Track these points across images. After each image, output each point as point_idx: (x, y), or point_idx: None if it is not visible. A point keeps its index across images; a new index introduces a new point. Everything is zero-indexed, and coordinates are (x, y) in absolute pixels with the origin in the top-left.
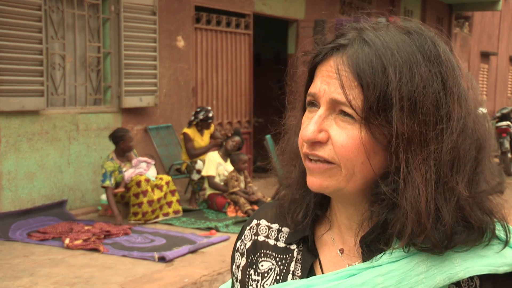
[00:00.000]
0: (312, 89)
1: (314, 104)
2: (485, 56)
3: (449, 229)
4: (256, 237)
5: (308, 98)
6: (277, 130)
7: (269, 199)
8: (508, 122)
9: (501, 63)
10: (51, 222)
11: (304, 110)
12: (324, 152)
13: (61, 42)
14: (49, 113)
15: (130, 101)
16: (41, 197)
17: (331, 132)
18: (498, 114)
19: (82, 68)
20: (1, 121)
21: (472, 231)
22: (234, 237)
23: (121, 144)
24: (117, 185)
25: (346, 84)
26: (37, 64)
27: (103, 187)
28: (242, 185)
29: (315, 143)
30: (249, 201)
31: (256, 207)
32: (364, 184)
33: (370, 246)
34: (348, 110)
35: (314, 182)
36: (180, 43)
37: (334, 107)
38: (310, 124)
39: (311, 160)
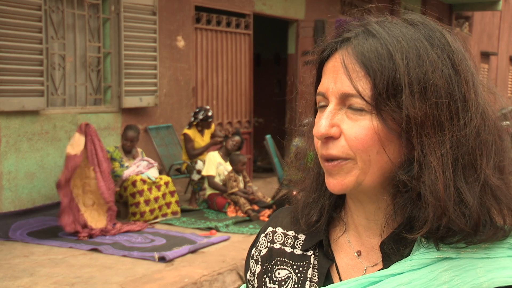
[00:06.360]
0: (320, 88)
1: (324, 105)
2: (485, 56)
3: (475, 213)
4: (271, 245)
5: (317, 98)
6: (287, 133)
7: (269, 199)
8: (508, 122)
9: (501, 63)
10: (51, 222)
11: (316, 112)
12: (337, 150)
13: (61, 42)
14: (49, 113)
15: (130, 101)
16: (41, 197)
17: (343, 126)
18: (497, 114)
19: (82, 68)
20: (1, 121)
21: (498, 229)
22: (234, 237)
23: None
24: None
25: (353, 75)
26: (37, 64)
27: None
28: (241, 185)
29: (328, 140)
30: (249, 201)
31: (256, 207)
32: (382, 176)
33: (391, 250)
34: (358, 101)
35: (335, 184)
36: (180, 43)
37: (344, 101)
38: (321, 120)
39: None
